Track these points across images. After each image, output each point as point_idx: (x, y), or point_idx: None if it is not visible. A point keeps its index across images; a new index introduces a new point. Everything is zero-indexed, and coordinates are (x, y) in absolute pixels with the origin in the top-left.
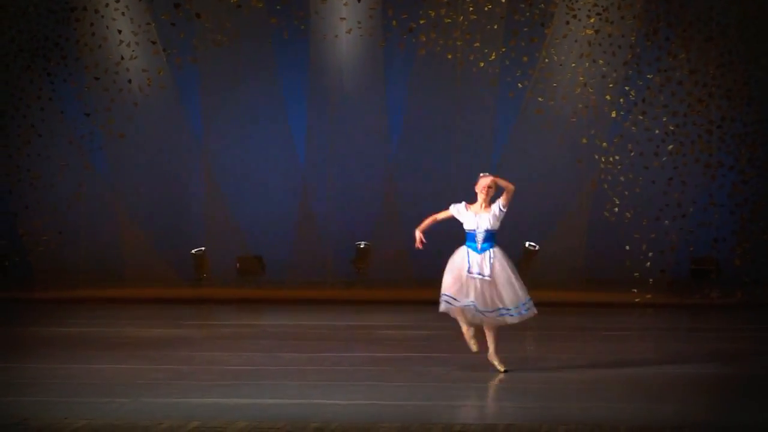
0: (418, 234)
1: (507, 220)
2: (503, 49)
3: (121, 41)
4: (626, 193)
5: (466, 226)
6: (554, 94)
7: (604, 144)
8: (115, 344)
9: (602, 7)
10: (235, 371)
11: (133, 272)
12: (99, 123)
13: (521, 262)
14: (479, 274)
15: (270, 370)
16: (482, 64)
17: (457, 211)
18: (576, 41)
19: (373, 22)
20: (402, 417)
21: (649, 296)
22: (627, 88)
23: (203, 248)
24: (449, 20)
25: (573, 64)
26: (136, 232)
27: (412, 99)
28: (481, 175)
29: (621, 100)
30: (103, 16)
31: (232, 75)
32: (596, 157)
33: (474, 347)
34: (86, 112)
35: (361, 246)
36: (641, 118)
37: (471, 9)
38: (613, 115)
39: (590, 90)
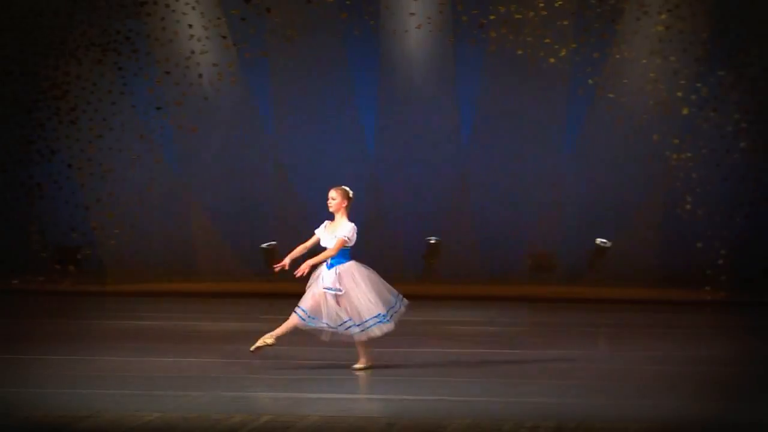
0: (286, 260)
1: (579, 217)
2: (573, 46)
3: (192, 35)
4: (698, 190)
5: (322, 243)
6: (625, 91)
7: (676, 140)
8: (187, 338)
9: (673, 3)
10: (306, 366)
11: (204, 266)
12: (170, 117)
13: (593, 259)
14: (329, 288)
15: (340, 365)
16: (553, 61)
17: (322, 232)
18: (647, 37)
19: (443, 18)
20: (472, 413)
21: (722, 294)
22: (698, 84)
23: (274, 242)
24: (519, 16)
25: (644, 61)
26: (206, 226)
27: (483, 95)
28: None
29: (692, 96)
30: (174, 11)
31: (303, 69)
32: (667, 153)
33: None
34: (157, 106)
35: (432, 241)
36: (713, 114)
37: (541, 5)
38: (685, 111)
39: (661, 86)
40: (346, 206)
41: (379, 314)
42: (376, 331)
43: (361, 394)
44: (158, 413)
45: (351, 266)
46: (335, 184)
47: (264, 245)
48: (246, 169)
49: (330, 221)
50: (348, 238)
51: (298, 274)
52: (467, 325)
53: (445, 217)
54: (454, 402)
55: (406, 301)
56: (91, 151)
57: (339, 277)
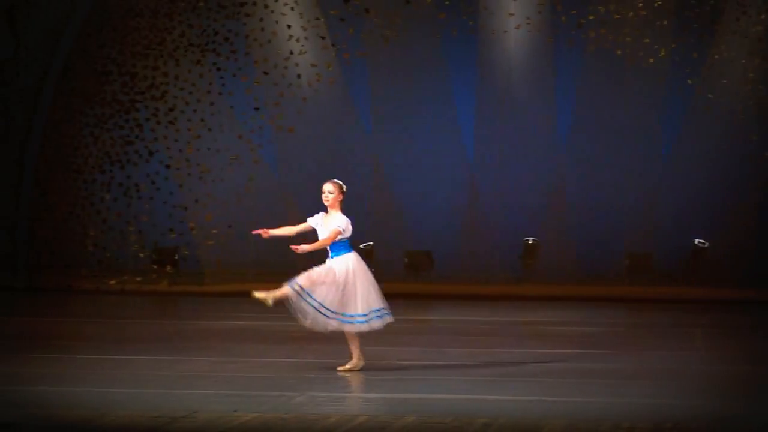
0: (269, 231)
1: (676, 218)
2: (673, 46)
3: (291, 36)
4: None
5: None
6: (724, 91)
7: None
8: (285, 338)
9: None
10: (403, 366)
11: (301, 267)
12: (268, 117)
13: (690, 260)
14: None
15: (438, 365)
16: (652, 60)
17: (315, 222)
18: (746, 37)
19: (542, 18)
20: (569, 414)
21: None
22: None
23: (371, 243)
24: (618, 16)
25: (743, 61)
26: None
27: (581, 95)
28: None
29: None
30: (272, 11)
31: (401, 70)
32: (766, 154)
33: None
34: (255, 107)
35: (530, 242)
36: None
37: (640, 5)
38: None
39: (760, 87)
40: (340, 200)
41: (381, 308)
42: (378, 324)
43: (457, 395)
44: (255, 414)
45: (353, 258)
46: (329, 179)
47: (361, 246)
48: (344, 170)
49: (325, 213)
50: (343, 229)
51: (298, 251)
52: (564, 326)
53: (542, 218)
54: (551, 402)
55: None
56: (190, 151)
57: (335, 266)
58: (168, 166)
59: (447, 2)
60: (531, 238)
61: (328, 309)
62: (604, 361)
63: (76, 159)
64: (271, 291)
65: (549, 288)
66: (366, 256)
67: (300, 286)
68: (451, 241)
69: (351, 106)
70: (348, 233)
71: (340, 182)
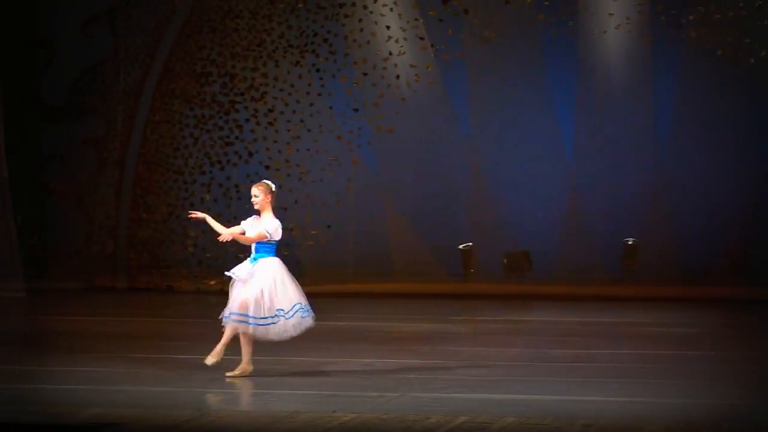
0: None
1: None
2: None
3: (390, 37)
4: None
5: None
6: None
7: None
8: (383, 338)
9: None
10: (501, 367)
11: (400, 267)
12: (367, 118)
13: None
14: (238, 276)
15: (537, 366)
16: (753, 61)
17: (248, 225)
18: None
19: (641, 18)
20: (669, 416)
21: None
22: None
23: (470, 243)
24: (719, 16)
25: None
26: (403, 227)
27: (681, 95)
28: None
29: None
30: (371, 12)
31: (500, 71)
32: None
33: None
34: (355, 108)
35: (629, 243)
36: None
37: (741, 5)
38: None
39: None
40: (270, 201)
41: (304, 304)
42: (308, 321)
43: (557, 396)
44: (354, 414)
45: (274, 261)
46: (258, 181)
47: (461, 246)
48: (443, 170)
49: (257, 217)
50: (269, 233)
51: (220, 239)
52: (665, 327)
53: (642, 218)
54: (651, 404)
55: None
56: (289, 152)
57: (257, 269)
58: (267, 167)
59: (546, 2)
60: (631, 239)
61: (267, 318)
62: (705, 362)
63: (176, 160)
64: (215, 351)
65: (649, 289)
66: (464, 256)
67: (237, 314)
68: (549, 241)
69: (450, 107)
70: (276, 237)
71: (268, 182)
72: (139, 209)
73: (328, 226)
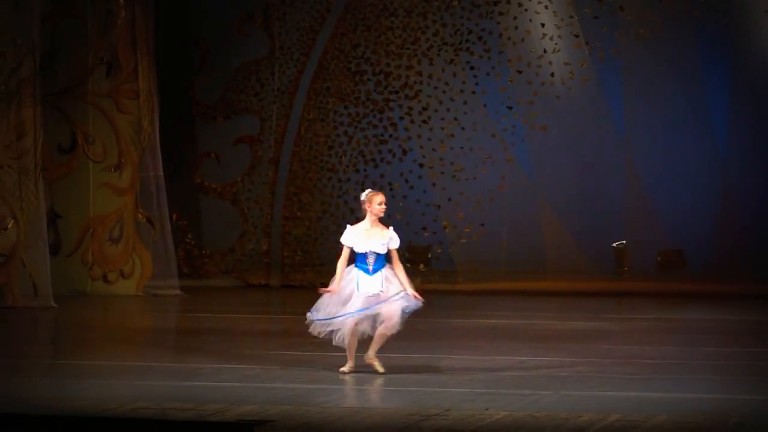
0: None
1: None
2: None
3: (544, 34)
4: None
5: (357, 249)
6: None
7: None
8: (536, 336)
9: None
10: (654, 365)
11: (553, 265)
12: (521, 116)
13: None
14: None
15: (690, 365)
16: None
17: (347, 240)
18: None
19: None
20: None
21: None
22: None
23: (624, 241)
24: None
25: None
26: (557, 225)
27: None
28: (371, 192)
29: None
30: (526, 10)
31: (655, 68)
32: None
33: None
34: (508, 105)
35: None
36: None
37: None
38: None
39: None
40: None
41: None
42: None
43: (710, 394)
44: (506, 412)
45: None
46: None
47: (614, 244)
48: (597, 169)
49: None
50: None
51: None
52: None
53: None
54: None
55: None
56: (443, 150)
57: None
58: (421, 165)
59: None
60: None
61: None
62: None
63: (330, 158)
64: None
65: None
66: (618, 254)
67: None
68: (703, 239)
69: (604, 105)
70: None
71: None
72: (294, 207)
73: (482, 224)
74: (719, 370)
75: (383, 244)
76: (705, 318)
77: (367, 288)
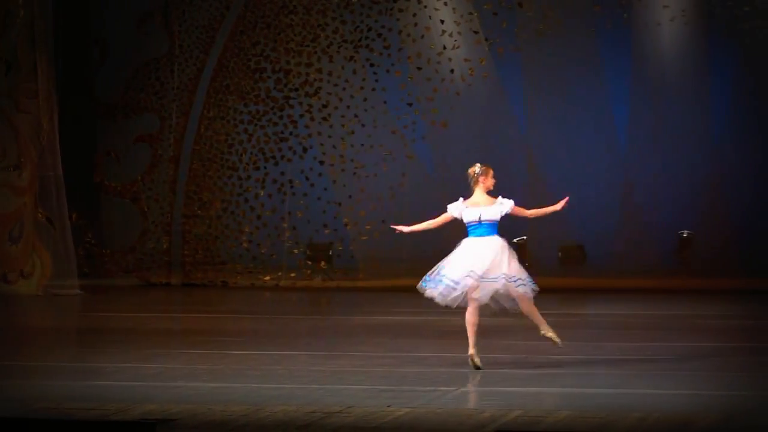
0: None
1: None
2: None
3: (444, 31)
4: None
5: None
6: None
7: None
8: (438, 333)
9: None
10: (556, 361)
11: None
12: (421, 112)
13: None
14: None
15: (593, 360)
16: None
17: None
18: None
19: (697, 10)
20: (724, 408)
21: None
22: None
23: (525, 237)
24: None
25: None
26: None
27: (737, 88)
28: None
29: None
30: (425, 6)
31: (555, 64)
32: None
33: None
34: (409, 102)
35: (684, 235)
36: None
37: None
38: None
39: None
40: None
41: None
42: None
43: (612, 389)
44: (408, 409)
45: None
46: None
47: (515, 240)
48: (497, 164)
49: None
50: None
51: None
52: (720, 319)
53: (697, 211)
54: (706, 396)
55: None
56: (343, 147)
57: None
58: (322, 162)
59: None
60: (686, 232)
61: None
62: (761, 354)
63: (230, 156)
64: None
65: (704, 281)
66: (519, 250)
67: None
68: (604, 234)
69: (504, 101)
70: None
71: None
72: (194, 206)
73: (383, 221)
74: (621, 365)
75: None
76: (606, 313)
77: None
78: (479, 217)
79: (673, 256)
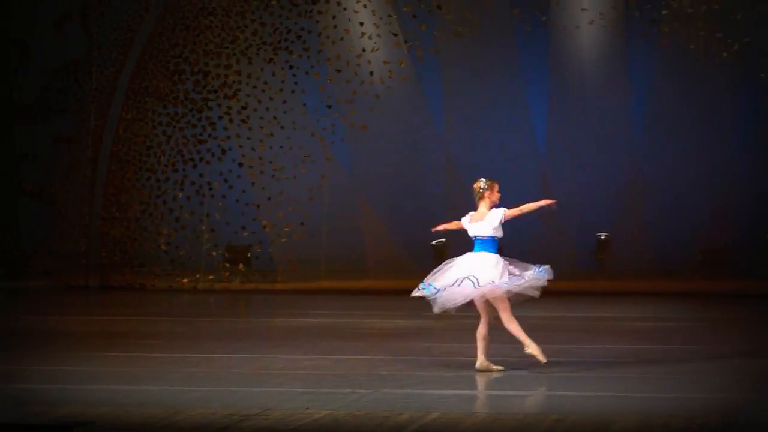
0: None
1: (752, 212)
2: (746, 39)
3: (363, 33)
4: None
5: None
6: None
7: None
8: (356, 335)
9: None
10: (473, 363)
11: (374, 263)
12: (341, 115)
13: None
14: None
15: (510, 362)
16: (725, 55)
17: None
18: None
19: (615, 13)
20: (641, 409)
21: None
22: None
23: (444, 239)
24: (692, 11)
25: None
26: (377, 224)
27: (655, 90)
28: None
29: None
30: (345, 9)
31: (474, 66)
32: None
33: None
34: (328, 104)
35: (602, 237)
36: None
37: None
38: None
39: None
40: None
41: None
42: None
43: (529, 391)
44: (327, 411)
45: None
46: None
47: (434, 242)
48: (417, 166)
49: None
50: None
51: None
52: (637, 321)
53: (615, 213)
54: (623, 398)
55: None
56: (262, 149)
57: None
58: (241, 165)
59: None
60: (604, 234)
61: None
62: (677, 356)
63: (149, 158)
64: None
65: (622, 283)
66: (438, 252)
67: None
68: (523, 236)
69: (423, 102)
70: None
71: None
72: (112, 208)
73: (301, 223)
74: (539, 367)
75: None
76: (525, 315)
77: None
78: (474, 234)
79: (592, 258)
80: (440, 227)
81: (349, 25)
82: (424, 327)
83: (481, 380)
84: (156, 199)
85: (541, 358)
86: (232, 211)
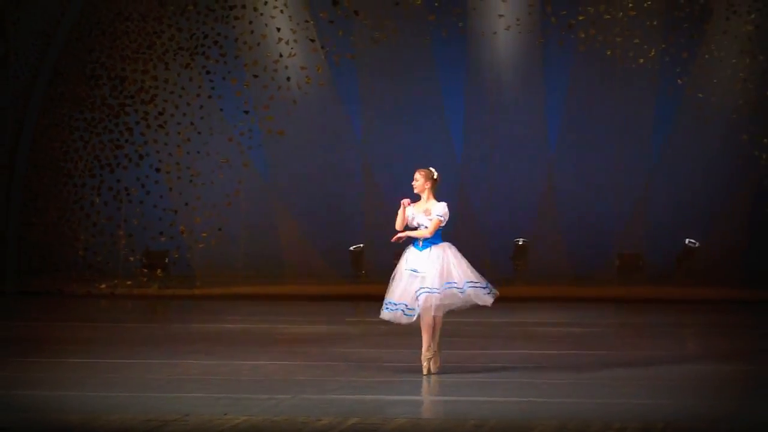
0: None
1: (667, 218)
2: (663, 46)
3: (280, 39)
4: None
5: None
6: (714, 90)
7: (765, 140)
8: (275, 341)
9: (763, 2)
10: (392, 368)
11: (292, 268)
12: (258, 120)
13: (681, 260)
14: (414, 270)
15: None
16: (642, 61)
17: (412, 213)
18: (736, 37)
19: (532, 19)
20: (560, 415)
21: None
22: None
23: (362, 245)
24: (608, 17)
25: (733, 60)
26: (294, 229)
27: (571, 96)
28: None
29: None
30: (261, 14)
31: (391, 71)
32: (756, 153)
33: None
34: (245, 110)
35: (520, 243)
36: None
37: (630, 5)
38: None
39: (750, 86)
40: (431, 188)
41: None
42: (490, 299)
43: (448, 396)
44: (245, 417)
45: (446, 246)
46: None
47: (351, 248)
48: (334, 172)
49: (409, 202)
50: (442, 218)
51: (393, 240)
52: (555, 327)
53: (532, 219)
54: (542, 403)
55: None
56: (179, 155)
57: (431, 254)
58: (158, 170)
59: (437, 4)
60: (521, 239)
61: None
62: (595, 361)
63: (65, 163)
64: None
65: (539, 289)
66: (355, 258)
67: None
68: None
69: (341, 108)
70: (446, 219)
71: (431, 169)
72: (29, 213)
73: (219, 229)
74: (457, 373)
75: (426, 218)
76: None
77: (411, 264)
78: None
79: (509, 263)
80: (401, 235)
81: (266, 30)
82: (341, 332)
83: (400, 386)
84: (73, 205)
85: (424, 369)
86: (149, 217)
